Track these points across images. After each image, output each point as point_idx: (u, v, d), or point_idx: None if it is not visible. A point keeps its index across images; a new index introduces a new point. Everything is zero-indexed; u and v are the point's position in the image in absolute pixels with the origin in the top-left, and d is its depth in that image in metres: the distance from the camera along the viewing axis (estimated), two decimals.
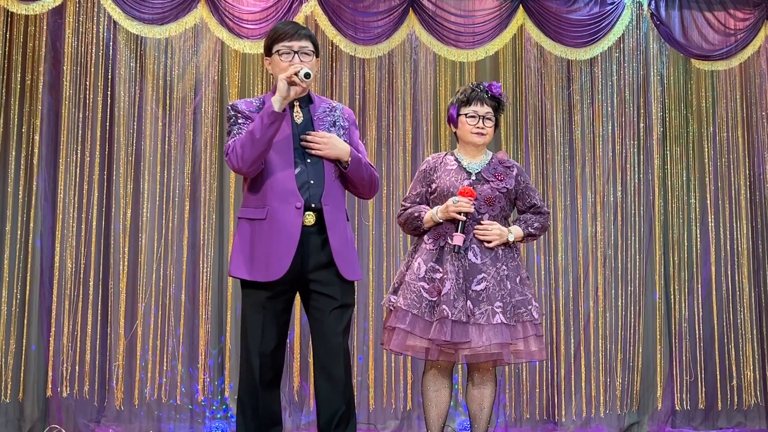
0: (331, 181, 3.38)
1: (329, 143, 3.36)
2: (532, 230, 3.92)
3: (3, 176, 5.61)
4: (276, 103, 3.26)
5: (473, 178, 3.86)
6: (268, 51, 3.46)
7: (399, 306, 3.77)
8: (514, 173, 3.92)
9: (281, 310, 3.37)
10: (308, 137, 3.36)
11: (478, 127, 3.87)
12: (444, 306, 3.66)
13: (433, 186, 3.90)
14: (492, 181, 3.85)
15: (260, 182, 3.34)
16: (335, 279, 3.36)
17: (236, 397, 3.52)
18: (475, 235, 3.78)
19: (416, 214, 3.88)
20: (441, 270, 3.76)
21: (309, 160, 3.35)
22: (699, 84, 6.39)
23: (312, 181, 3.34)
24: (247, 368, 3.34)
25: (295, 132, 3.39)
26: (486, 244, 3.78)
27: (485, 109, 3.88)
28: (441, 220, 3.80)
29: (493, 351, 3.70)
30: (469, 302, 3.69)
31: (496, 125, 3.96)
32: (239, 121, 3.39)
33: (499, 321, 3.68)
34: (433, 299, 3.73)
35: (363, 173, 3.45)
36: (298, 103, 3.44)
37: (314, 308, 3.38)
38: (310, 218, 3.32)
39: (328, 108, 3.52)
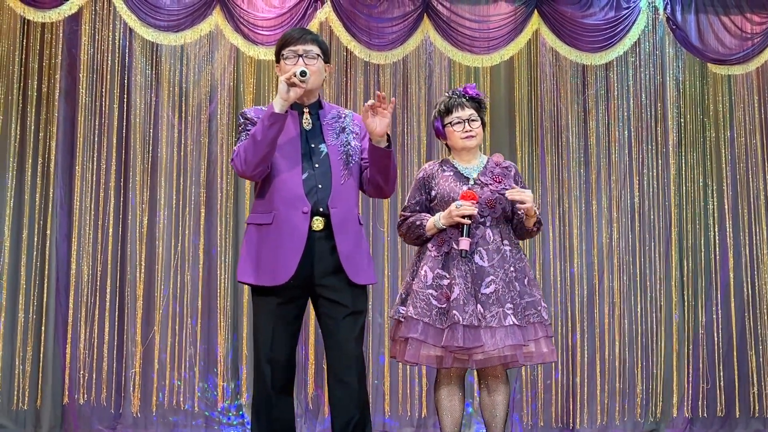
0: (339, 185, 3.37)
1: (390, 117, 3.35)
2: (539, 222, 3.91)
3: (20, 183, 5.64)
4: (276, 104, 3.27)
5: (471, 183, 3.85)
6: (277, 58, 3.47)
7: (409, 315, 3.74)
8: (512, 173, 3.92)
9: (293, 316, 3.37)
10: (382, 96, 3.31)
11: (465, 131, 3.86)
12: (455, 311, 3.65)
13: (433, 193, 3.88)
14: (491, 184, 3.84)
15: (268, 187, 3.35)
16: (345, 285, 3.34)
17: (251, 403, 3.52)
18: (509, 197, 3.75)
19: (418, 223, 3.85)
20: (448, 276, 3.74)
21: (317, 165, 3.36)
22: (716, 88, 6.35)
23: (320, 186, 3.34)
24: (259, 375, 3.35)
25: (303, 138, 3.39)
26: (519, 206, 3.75)
27: (468, 112, 3.87)
28: (444, 227, 3.78)
29: (506, 353, 3.68)
30: (479, 306, 3.68)
31: (484, 125, 3.94)
32: (248, 127, 3.40)
33: (511, 322, 3.66)
34: (443, 306, 3.71)
35: (395, 159, 3.46)
36: (307, 110, 3.44)
37: (326, 316, 3.37)
38: (318, 223, 3.32)
39: (337, 114, 3.52)
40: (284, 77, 3.27)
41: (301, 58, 3.38)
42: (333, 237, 3.32)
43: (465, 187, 3.80)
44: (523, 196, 3.75)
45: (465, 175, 3.88)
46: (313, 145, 3.38)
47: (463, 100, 3.88)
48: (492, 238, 3.79)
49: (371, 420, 3.42)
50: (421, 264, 3.83)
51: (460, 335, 3.63)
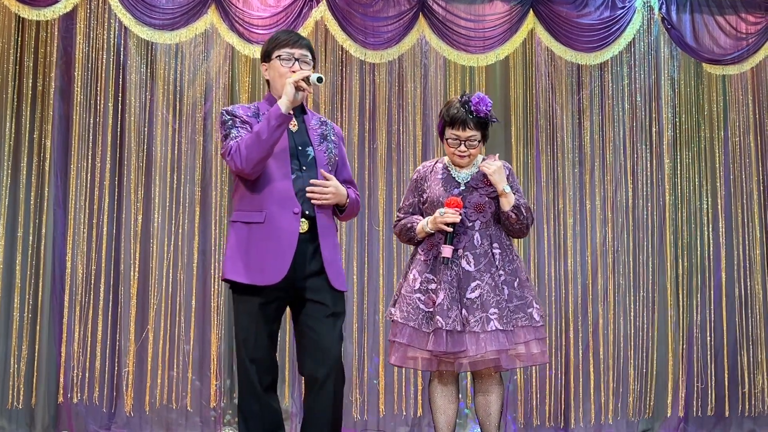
0: None
1: (336, 192, 3.41)
2: (522, 208, 3.78)
3: (14, 182, 5.63)
4: (283, 105, 3.30)
5: (462, 187, 3.84)
6: (268, 57, 3.49)
7: (396, 319, 3.79)
8: (505, 174, 3.86)
9: (273, 317, 3.40)
10: (316, 183, 3.37)
11: (459, 151, 3.81)
12: (438, 317, 3.67)
13: (424, 196, 3.88)
14: (481, 188, 3.82)
15: (258, 187, 3.37)
16: (326, 287, 3.39)
17: (237, 404, 3.52)
18: (481, 168, 3.76)
19: (409, 225, 3.88)
20: (435, 280, 3.75)
21: (304, 168, 3.40)
22: (710, 88, 6.36)
23: (307, 188, 3.38)
24: (245, 376, 3.36)
25: (291, 140, 3.42)
26: (487, 171, 3.73)
27: (468, 134, 3.78)
28: (432, 231, 3.79)
29: (490, 357, 3.69)
30: (464, 310, 3.68)
31: (486, 138, 3.87)
32: (237, 124, 3.41)
33: (494, 327, 3.66)
34: (429, 310, 3.73)
35: (354, 212, 3.58)
36: (292, 112, 3.45)
37: (307, 315, 3.40)
38: (303, 225, 3.36)
39: (320, 121, 3.59)
40: (293, 80, 3.31)
41: (297, 62, 3.42)
42: (316, 239, 3.38)
43: (455, 191, 3.81)
44: (490, 167, 3.74)
45: (457, 180, 3.87)
46: (300, 147, 3.43)
47: (469, 117, 3.77)
48: (480, 242, 3.78)
49: (342, 421, 3.45)
50: (411, 268, 3.86)
51: (444, 340, 3.65)
